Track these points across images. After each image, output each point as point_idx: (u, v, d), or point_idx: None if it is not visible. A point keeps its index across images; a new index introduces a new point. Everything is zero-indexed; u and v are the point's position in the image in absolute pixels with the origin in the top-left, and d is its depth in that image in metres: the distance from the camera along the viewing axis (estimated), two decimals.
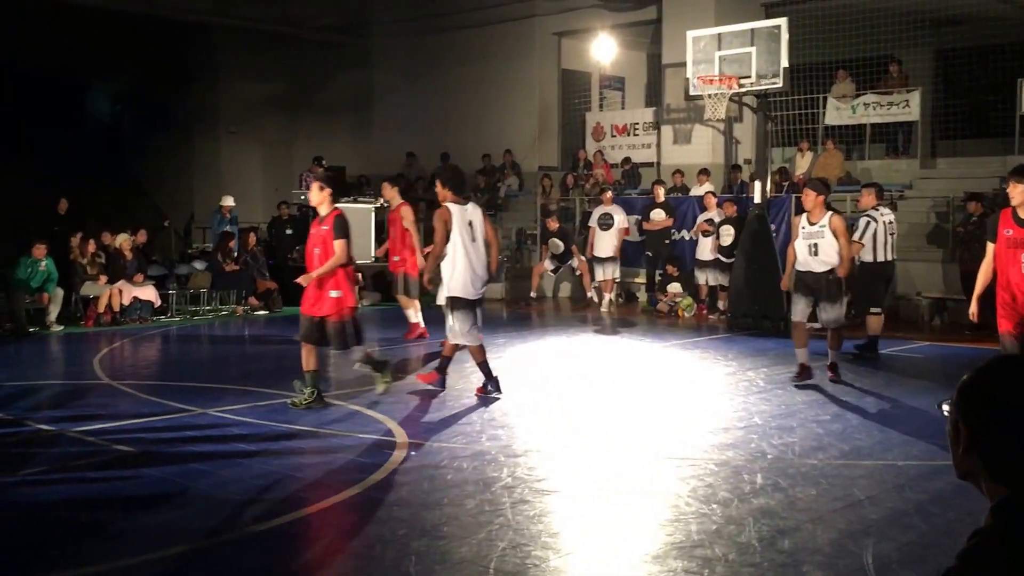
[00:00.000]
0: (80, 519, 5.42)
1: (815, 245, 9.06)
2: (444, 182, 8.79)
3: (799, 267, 9.24)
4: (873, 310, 11.33)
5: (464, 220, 8.56)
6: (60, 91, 26.39)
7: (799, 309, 9.25)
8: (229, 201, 17.49)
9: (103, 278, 14.09)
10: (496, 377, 8.75)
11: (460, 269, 8.53)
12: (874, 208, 11.37)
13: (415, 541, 4.89)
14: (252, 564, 4.67)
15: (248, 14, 21.78)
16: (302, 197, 18.28)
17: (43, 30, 21.80)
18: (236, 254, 16.30)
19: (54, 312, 13.58)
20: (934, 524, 5.20)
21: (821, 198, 9.14)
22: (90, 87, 28.39)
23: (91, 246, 14.40)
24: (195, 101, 25.40)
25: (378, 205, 18.91)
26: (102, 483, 6.18)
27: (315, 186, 8.37)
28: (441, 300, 8.93)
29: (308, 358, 8.06)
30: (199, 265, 16.69)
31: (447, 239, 8.51)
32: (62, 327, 13.52)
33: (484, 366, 8.73)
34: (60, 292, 13.73)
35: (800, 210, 9.96)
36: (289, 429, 7.47)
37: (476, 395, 8.68)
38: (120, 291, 14.14)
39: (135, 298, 14.35)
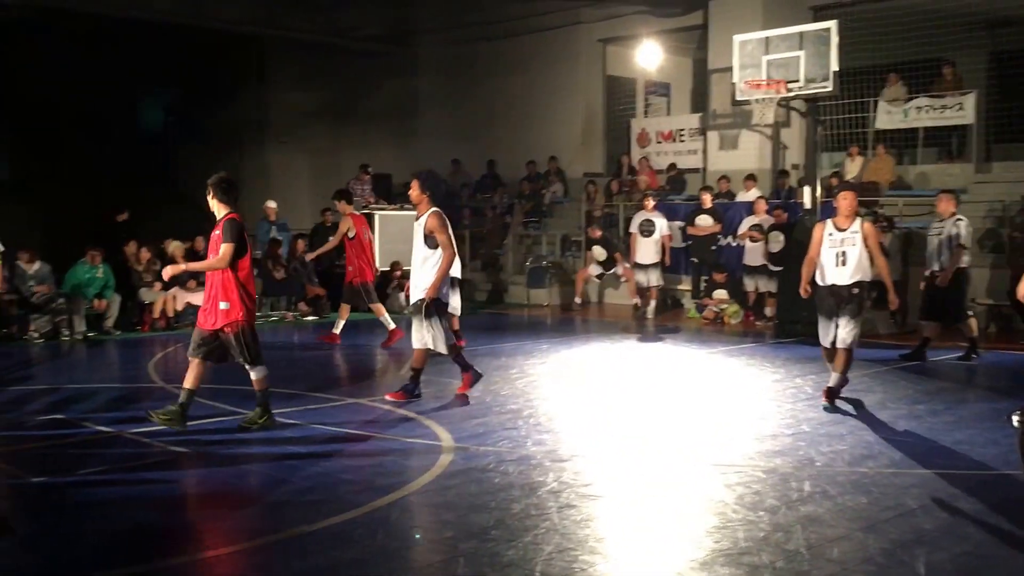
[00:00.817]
0: (136, 518, 5.54)
1: (843, 254, 8.43)
2: (424, 186, 8.67)
3: (820, 280, 8.56)
4: (969, 313, 11.45)
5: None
6: (112, 102, 26.92)
7: (823, 334, 8.59)
8: (272, 204, 17.68)
9: (158, 284, 14.35)
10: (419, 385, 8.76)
11: (446, 275, 8.55)
12: (951, 215, 11.35)
13: (463, 543, 4.93)
14: (302, 564, 4.74)
15: (297, 25, 22.05)
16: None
17: (95, 43, 22.25)
18: (285, 261, 16.50)
19: (112, 318, 13.89)
20: (989, 535, 5.12)
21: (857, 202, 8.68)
22: (142, 98, 28.92)
23: (146, 253, 14.68)
24: (244, 111, 25.73)
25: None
26: (158, 483, 6.30)
27: (208, 193, 7.90)
28: (413, 299, 8.68)
29: (191, 374, 7.54)
30: None
31: (450, 243, 8.53)
32: (119, 332, 13.80)
33: (418, 374, 8.75)
34: (118, 298, 14.04)
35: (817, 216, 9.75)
36: (338, 432, 7.56)
37: (388, 398, 8.64)
38: (174, 297, 14.40)
39: (188, 304, 14.60)
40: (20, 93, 24.08)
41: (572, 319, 16.17)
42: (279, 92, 25.01)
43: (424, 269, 8.52)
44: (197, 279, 15.06)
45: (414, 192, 8.71)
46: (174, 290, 14.45)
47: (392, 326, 12.55)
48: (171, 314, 14.31)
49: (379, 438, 7.35)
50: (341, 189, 13.49)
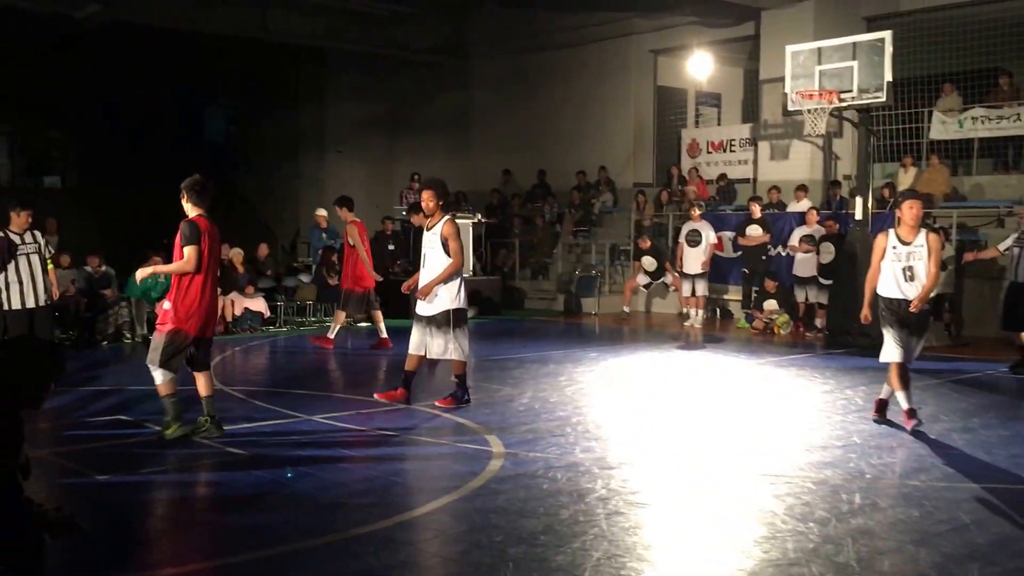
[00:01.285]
0: (195, 517, 5.62)
1: (910, 269, 7.83)
2: (438, 195, 8.52)
3: (887, 294, 7.95)
4: None
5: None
6: (178, 112, 27.46)
7: (896, 348, 7.83)
8: (322, 212, 17.85)
9: (217, 289, 14.55)
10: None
11: (461, 282, 8.49)
12: None
13: (512, 548, 4.93)
14: (355, 565, 4.77)
15: (355, 38, 22.30)
16: (403, 213, 18.62)
17: (163, 56, 22.71)
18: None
19: None
20: None
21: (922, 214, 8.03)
22: (206, 108, 29.47)
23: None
24: (303, 121, 26.07)
25: (475, 220, 19.14)
26: (216, 484, 6.40)
27: (181, 196, 7.80)
28: (429, 312, 8.47)
29: (198, 384, 7.49)
30: (305, 278, 17.12)
31: (462, 250, 8.43)
32: None
33: (463, 379, 8.68)
34: None
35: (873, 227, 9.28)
36: (390, 436, 7.60)
37: (438, 404, 8.60)
38: (232, 302, 14.60)
39: (246, 309, 14.81)
40: (91, 103, 24.69)
41: (620, 328, 16.10)
42: (337, 103, 25.32)
43: (448, 280, 8.41)
44: (255, 285, 15.30)
45: (429, 202, 8.52)
46: (232, 295, 14.65)
47: (384, 334, 12.76)
48: (229, 318, 14.50)
49: (431, 443, 7.38)
50: (342, 196, 13.34)
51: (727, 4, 17.62)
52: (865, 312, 8.29)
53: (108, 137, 25.63)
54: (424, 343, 8.57)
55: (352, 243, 12.64)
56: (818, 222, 14.98)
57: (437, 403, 8.63)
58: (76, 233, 17.99)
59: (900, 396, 7.86)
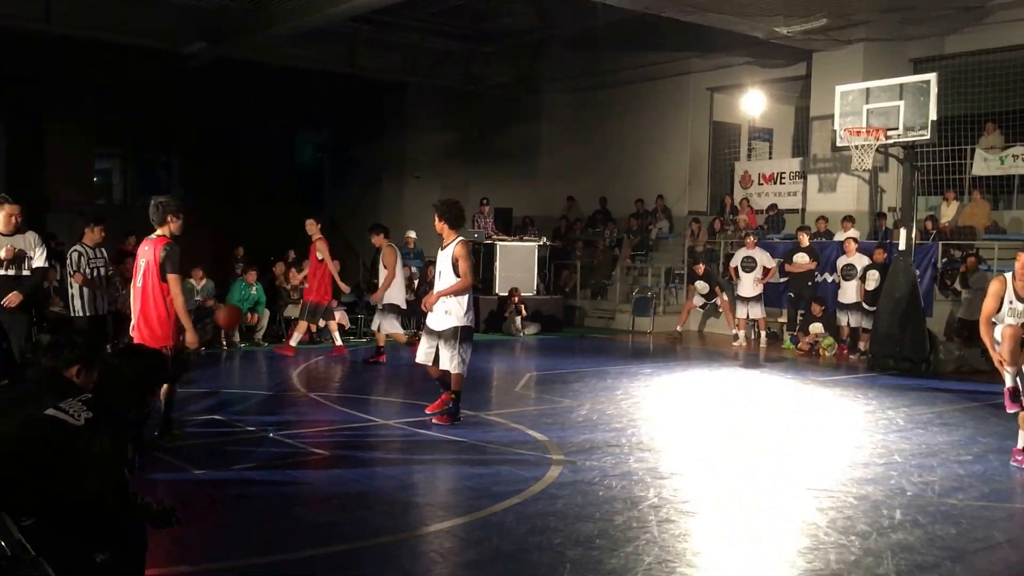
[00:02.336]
0: (282, 511, 5.72)
1: None
2: (442, 216, 8.18)
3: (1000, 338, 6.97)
4: None
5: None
6: (273, 141, 28.08)
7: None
8: (412, 234, 18.08)
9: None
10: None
11: (470, 302, 8.22)
12: None
13: (569, 550, 4.93)
14: (423, 562, 4.82)
15: (435, 73, 22.60)
16: (475, 236, 18.74)
17: (260, 88, 23.25)
18: (416, 284, 16.80)
19: (262, 331, 14.41)
20: None
21: None
22: (297, 136, 30.06)
23: (295, 276, 15.18)
24: (385, 149, 26.42)
25: (541, 243, 19.19)
26: (301, 481, 6.50)
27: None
28: (439, 327, 8.20)
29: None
30: None
31: (470, 272, 8.14)
32: (267, 344, 14.29)
33: (459, 395, 8.31)
34: (267, 313, 14.57)
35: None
36: (459, 443, 7.64)
37: (435, 421, 8.23)
38: None
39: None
40: (195, 130, 25.38)
41: (674, 346, 15.98)
42: (417, 133, 25.63)
43: (452, 296, 8.15)
44: (337, 299, 15.51)
45: (437, 224, 8.23)
46: None
47: (339, 342, 13.03)
48: (314, 330, 14.71)
49: (496, 449, 7.41)
50: (311, 216, 12.95)
51: (780, 46, 17.46)
52: (996, 358, 7.04)
53: (210, 161, 26.29)
54: (431, 354, 8.33)
55: (320, 258, 12.51)
56: (859, 250, 14.75)
57: (435, 420, 8.28)
58: (181, 247, 18.43)
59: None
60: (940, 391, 11.10)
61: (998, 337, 7.01)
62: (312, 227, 12.74)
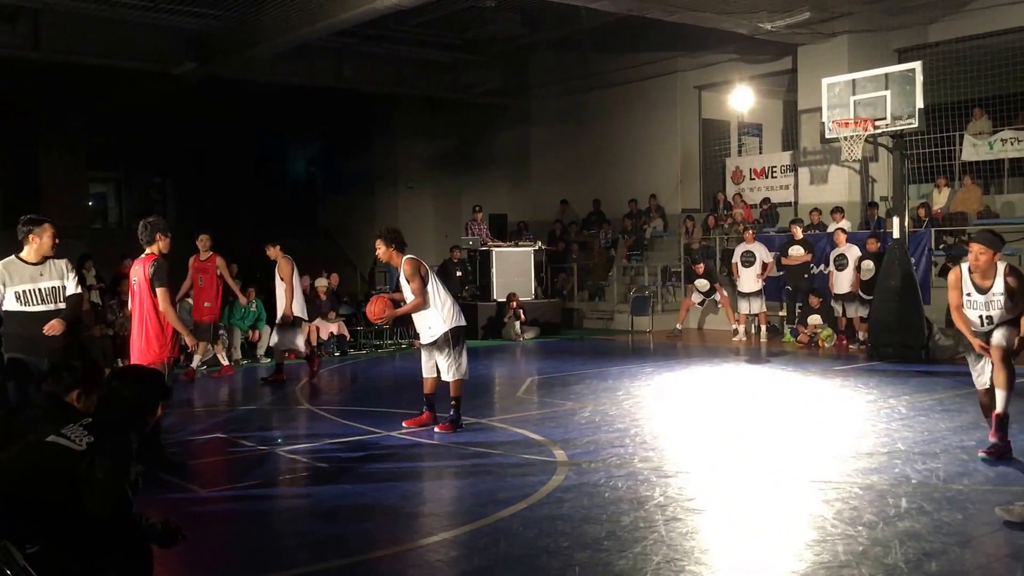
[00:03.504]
0: (289, 526, 5.69)
1: (989, 317, 6.78)
2: (388, 242, 8.16)
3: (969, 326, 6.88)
4: None
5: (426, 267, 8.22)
6: (265, 157, 28.08)
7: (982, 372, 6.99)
8: None
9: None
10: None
11: (451, 304, 8.16)
12: None
13: (578, 553, 4.90)
14: (429, 572, 4.79)
15: (423, 84, 22.60)
16: (469, 243, 18.73)
17: (250, 106, 23.26)
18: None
19: (263, 347, 14.37)
20: None
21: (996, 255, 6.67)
22: (288, 151, 30.08)
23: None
24: (377, 160, 26.45)
25: (536, 248, 19.18)
26: (304, 496, 6.47)
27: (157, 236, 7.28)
28: (429, 339, 8.21)
29: None
30: None
31: (425, 286, 8.04)
32: (269, 359, 14.22)
33: (459, 401, 8.28)
34: (268, 329, 14.48)
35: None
36: (462, 450, 7.62)
37: (438, 429, 8.18)
38: (317, 328, 14.78)
39: (330, 333, 15.00)
40: (187, 150, 25.38)
41: (674, 344, 15.96)
42: (407, 143, 25.67)
43: (425, 311, 8.11)
44: (336, 311, 15.49)
45: (379, 250, 8.25)
46: (316, 321, 14.84)
47: (226, 363, 12.86)
48: (314, 343, 14.68)
49: (500, 455, 7.38)
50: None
51: (765, 41, 17.48)
52: (975, 344, 6.88)
53: (202, 179, 26.29)
54: (433, 367, 8.33)
55: (220, 274, 12.27)
56: (849, 240, 14.74)
57: (437, 428, 8.24)
58: (174, 266, 18.39)
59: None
60: (940, 377, 11.09)
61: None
62: (273, 252, 11.92)
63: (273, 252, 11.85)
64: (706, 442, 7.80)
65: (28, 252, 6.75)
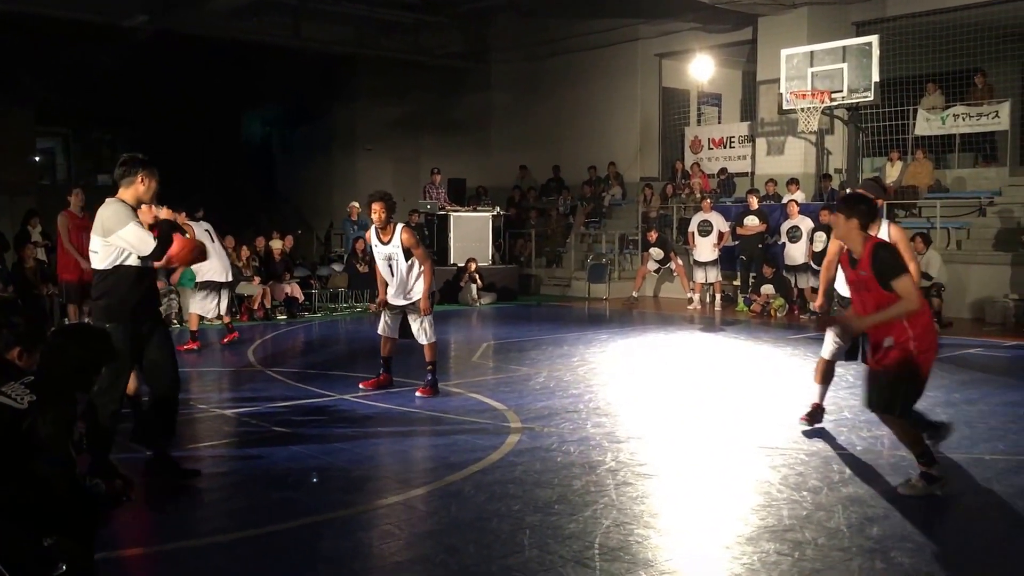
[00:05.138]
0: (241, 489, 5.64)
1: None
2: (388, 207, 8.06)
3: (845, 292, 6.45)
4: None
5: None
6: (220, 117, 27.55)
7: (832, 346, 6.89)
8: (355, 204, 17.86)
9: (256, 279, 14.59)
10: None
11: (429, 274, 8.14)
12: None
13: (529, 516, 4.93)
14: (381, 533, 4.79)
15: (384, 45, 22.30)
16: (427, 206, 18.61)
17: (205, 63, 22.77)
18: (369, 256, 16.67)
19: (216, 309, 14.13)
20: (1020, 517, 4.96)
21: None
22: (245, 111, 29.55)
23: (246, 251, 14.93)
24: (335, 123, 26.10)
25: (495, 213, 19.12)
26: (256, 458, 6.41)
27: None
28: (406, 301, 8.19)
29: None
30: (337, 267, 17.16)
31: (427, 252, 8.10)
32: (222, 321, 14.05)
33: (435, 365, 8.32)
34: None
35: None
36: (416, 414, 7.61)
37: (419, 393, 8.21)
38: (270, 289, 14.64)
39: (284, 295, 14.84)
40: (139, 107, 24.79)
41: (629, 311, 16.06)
42: (367, 105, 25.34)
43: (412, 273, 8.11)
44: (291, 272, 15.32)
45: (381, 214, 8.04)
46: (271, 283, 14.69)
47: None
48: (268, 305, 14.55)
49: (454, 419, 7.38)
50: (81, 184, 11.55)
51: (726, 11, 17.48)
52: (820, 301, 7.26)
53: (155, 138, 25.74)
54: (396, 328, 8.34)
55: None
56: (801, 212, 14.90)
57: (418, 393, 8.25)
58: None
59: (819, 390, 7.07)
60: None
61: (842, 291, 6.72)
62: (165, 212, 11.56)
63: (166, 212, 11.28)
64: (658, 409, 7.87)
65: None
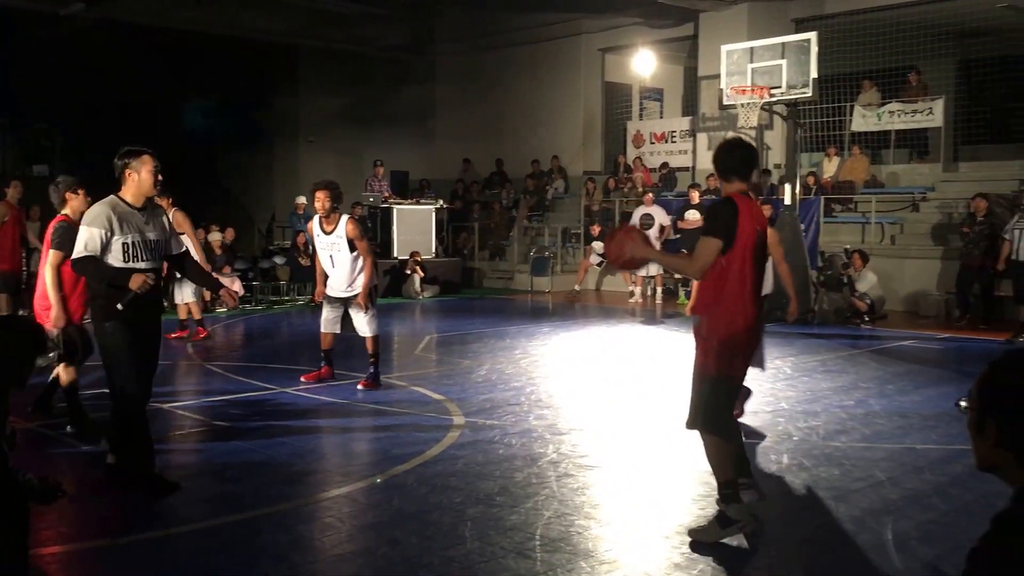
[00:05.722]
0: (182, 485, 5.53)
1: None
2: (333, 196, 8.06)
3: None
4: None
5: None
6: (158, 105, 26.94)
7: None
8: (302, 199, 17.71)
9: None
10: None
11: (370, 267, 8.18)
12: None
13: (470, 508, 4.92)
14: (323, 527, 4.74)
15: (326, 35, 22.02)
16: (370, 199, 18.47)
17: (144, 52, 22.26)
18: (310, 249, 16.49)
19: None
20: (952, 505, 5.08)
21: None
22: (185, 102, 28.96)
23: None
24: (277, 114, 25.73)
25: (438, 206, 19.05)
26: (195, 452, 6.31)
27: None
28: (348, 294, 8.14)
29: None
30: (279, 260, 16.93)
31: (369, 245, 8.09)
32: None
33: (378, 358, 8.31)
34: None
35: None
36: (358, 407, 7.55)
37: (360, 387, 8.19)
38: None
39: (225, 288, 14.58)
40: (76, 97, 24.12)
41: (572, 305, 16.13)
42: (309, 97, 25.03)
43: (355, 266, 8.06)
44: (231, 265, 15.09)
45: (325, 203, 8.01)
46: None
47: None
48: (207, 297, 14.29)
49: (396, 413, 7.34)
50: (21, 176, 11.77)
51: (668, 6, 17.62)
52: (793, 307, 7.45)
53: (92, 129, 25.12)
54: (337, 322, 8.29)
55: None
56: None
57: (360, 386, 8.23)
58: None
59: None
60: (824, 339, 11.53)
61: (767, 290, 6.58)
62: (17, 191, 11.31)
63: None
64: (600, 401, 7.92)
65: None
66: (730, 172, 4.58)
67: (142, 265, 5.17)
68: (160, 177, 5.49)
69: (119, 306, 5.08)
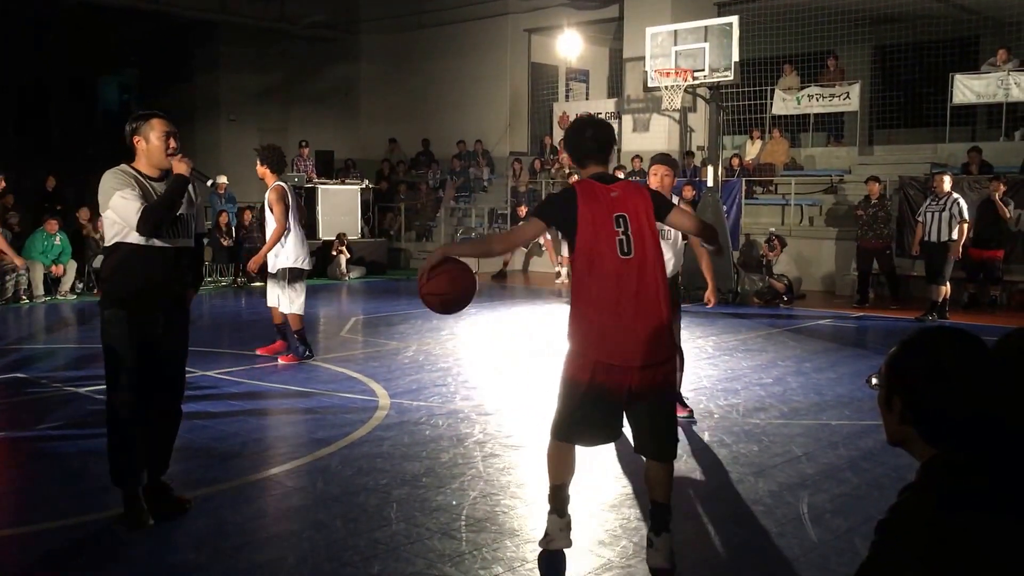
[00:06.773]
0: (91, 470, 5.39)
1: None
2: (263, 160, 8.18)
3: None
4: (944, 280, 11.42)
5: (293, 197, 8.28)
6: (75, 83, 26.03)
7: None
8: (223, 179, 17.34)
9: None
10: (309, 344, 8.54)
11: (295, 242, 8.20)
12: (947, 193, 11.37)
13: (396, 490, 4.91)
14: (248, 510, 4.67)
15: (248, 12, 21.54)
16: (295, 179, 18.16)
17: (58, 26, 21.46)
18: (232, 230, 16.18)
19: (68, 283, 13.49)
20: (864, 478, 5.25)
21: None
22: (101, 79, 28.02)
23: (101, 223, 14.24)
24: (198, 91, 25.09)
25: (363, 186, 18.86)
26: None
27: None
28: (272, 268, 8.32)
29: None
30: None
31: (287, 214, 8.09)
32: (76, 296, 13.42)
33: (303, 333, 8.43)
34: (74, 264, 13.65)
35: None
36: (281, 389, 7.46)
37: (281, 362, 8.37)
38: None
39: None
40: None
41: (498, 286, 16.16)
42: (231, 74, 24.46)
43: (284, 240, 8.15)
44: None
45: (257, 169, 8.25)
46: None
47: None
48: None
49: (320, 394, 7.27)
50: None
51: None
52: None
53: (4, 104, 24.15)
54: (274, 296, 8.38)
55: None
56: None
57: (280, 360, 8.34)
58: None
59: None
60: (745, 319, 11.79)
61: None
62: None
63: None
64: (526, 381, 7.96)
65: None
66: (584, 156, 3.94)
67: (166, 244, 4.47)
68: (174, 143, 4.62)
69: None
